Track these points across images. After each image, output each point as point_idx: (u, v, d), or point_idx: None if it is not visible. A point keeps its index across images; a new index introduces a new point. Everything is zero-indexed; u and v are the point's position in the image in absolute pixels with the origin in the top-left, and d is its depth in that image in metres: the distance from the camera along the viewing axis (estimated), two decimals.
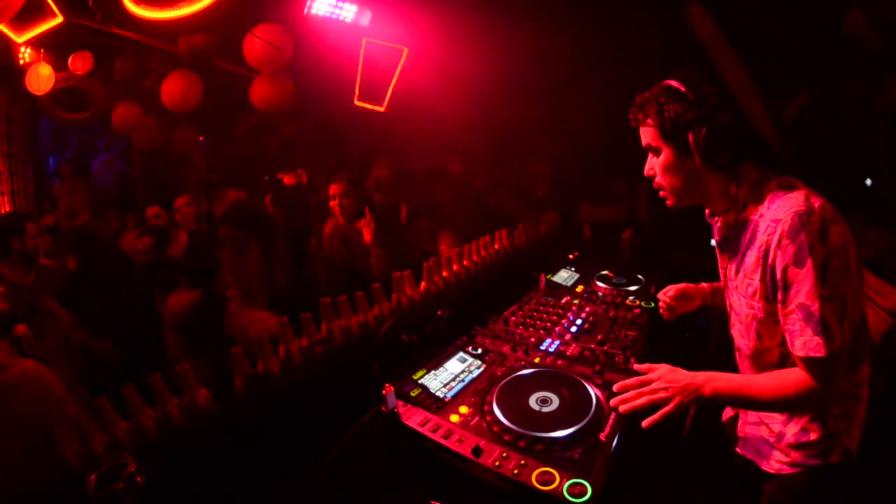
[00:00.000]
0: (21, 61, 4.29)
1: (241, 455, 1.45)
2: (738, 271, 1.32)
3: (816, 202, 1.14)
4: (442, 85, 4.54)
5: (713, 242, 1.50)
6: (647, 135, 1.36)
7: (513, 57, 4.27)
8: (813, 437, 1.27)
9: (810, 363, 1.16)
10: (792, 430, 1.30)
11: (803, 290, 1.13)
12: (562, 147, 4.33)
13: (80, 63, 4.51)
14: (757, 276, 1.23)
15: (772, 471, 1.33)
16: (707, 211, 1.43)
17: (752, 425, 1.39)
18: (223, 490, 1.37)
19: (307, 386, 1.74)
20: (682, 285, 1.65)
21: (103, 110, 5.14)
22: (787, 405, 1.26)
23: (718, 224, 1.40)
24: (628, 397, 1.16)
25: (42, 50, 4.26)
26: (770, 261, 1.18)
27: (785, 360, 1.26)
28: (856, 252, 1.19)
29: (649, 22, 3.87)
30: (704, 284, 1.70)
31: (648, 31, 3.85)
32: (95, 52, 4.57)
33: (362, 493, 1.31)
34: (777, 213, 1.17)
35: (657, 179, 1.37)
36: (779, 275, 1.17)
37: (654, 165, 1.37)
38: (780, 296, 1.18)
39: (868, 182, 3.81)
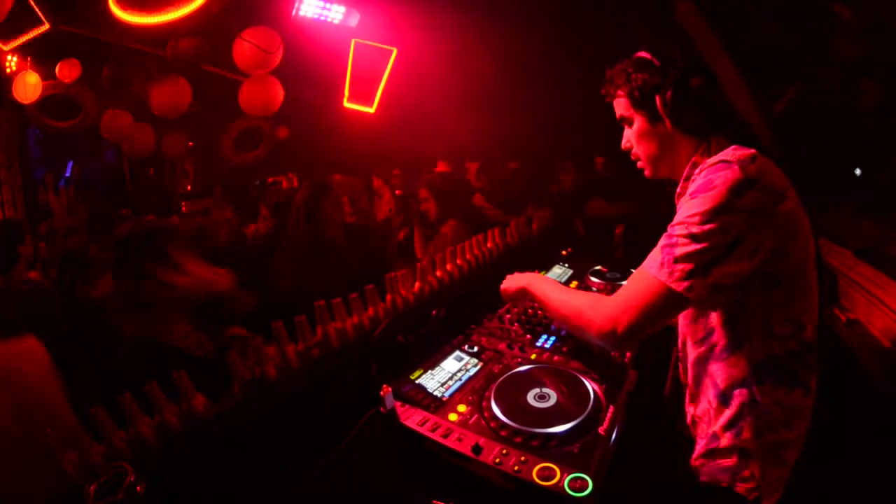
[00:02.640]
0: (8, 70, 4.25)
1: (240, 460, 1.44)
2: None
3: (753, 164, 1.09)
4: (436, 85, 4.55)
5: None
6: (619, 106, 1.38)
7: (504, 55, 4.28)
8: (723, 443, 1.20)
9: (638, 276, 1.17)
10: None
11: (681, 216, 1.12)
12: (558, 144, 4.36)
13: (67, 71, 4.48)
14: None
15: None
16: (678, 190, 1.39)
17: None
18: (223, 496, 1.36)
19: (304, 389, 1.74)
20: None
21: (92, 118, 5.10)
22: (572, 310, 1.30)
23: (678, 191, 1.37)
24: None
25: (29, 58, 4.22)
26: (685, 196, 1.18)
27: (716, 353, 1.22)
28: (793, 224, 1.13)
29: (639, 17, 3.89)
30: None
31: (638, 27, 3.87)
32: (83, 60, 4.54)
33: (363, 495, 1.31)
34: (710, 160, 1.15)
35: (633, 150, 1.40)
36: (684, 195, 1.18)
37: (629, 137, 1.40)
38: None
39: (857, 172, 3.85)
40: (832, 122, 3.32)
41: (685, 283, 1.07)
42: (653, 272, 1.12)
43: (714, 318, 1.22)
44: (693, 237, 1.07)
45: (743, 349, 1.18)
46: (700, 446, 1.27)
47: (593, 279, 2.21)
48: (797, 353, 1.16)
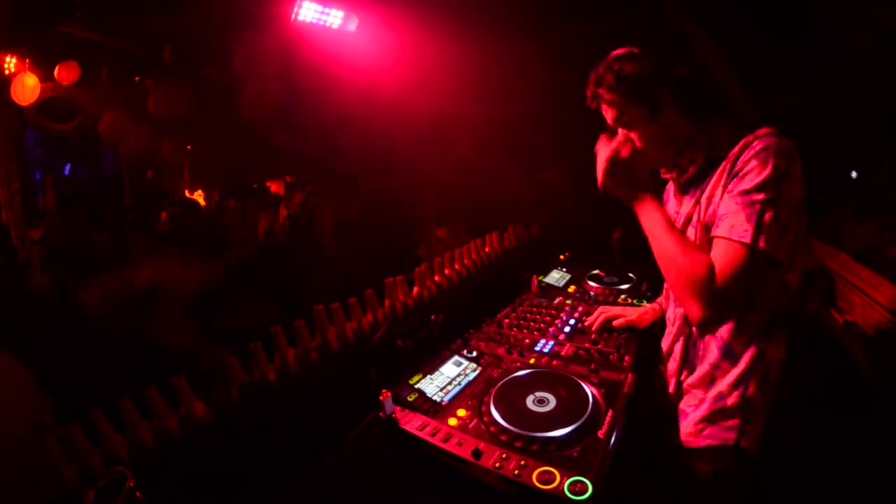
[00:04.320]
0: (6, 71, 4.24)
1: (239, 465, 1.44)
2: (697, 202, 1.31)
3: (785, 136, 1.18)
4: (435, 88, 4.55)
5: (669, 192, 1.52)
6: (610, 108, 1.35)
7: (504, 59, 4.29)
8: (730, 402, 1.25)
9: (724, 248, 1.16)
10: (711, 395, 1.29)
11: (756, 179, 1.14)
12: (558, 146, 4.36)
13: (66, 73, 4.47)
14: (717, 193, 1.23)
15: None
16: (662, 171, 1.43)
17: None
18: (222, 501, 1.36)
19: (303, 394, 1.74)
20: (610, 313, 1.72)
21: (90, 120, 5.09)
22: (677, 265, 1.24)
23: (687, 165, 1.36)
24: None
25: (27, 60, 4.22)
26: (734, 165, 1.19)
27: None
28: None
29: (634, 24, 3.91)
30: (649, 305, 1.76)
31: (635, 30, 3.89)
32: (82, 62, 4.53)
33: (363, 500, 1.31)
34: (749, 139, 1.20)
35: (636, 146, 1.37)
36: (736, 167, 1.18)
37: (627, 135, 1.37)
38: (727, 186, 1.19)
39: (854, 175, 3.88)
40: (828, 125, 3.34)
41: (773, 244, 1.12)
42: (742, 238, 1.13)
43: None
44: (772, 201, 1.12)
45: (756, 309, 1.23)
46: (700, 411, 1.30)
47: (591, 284, 2.22)
48: (790, 309, 1.23)
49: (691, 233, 1.33)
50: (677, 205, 1.45)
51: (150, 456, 1.41)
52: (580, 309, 1.96)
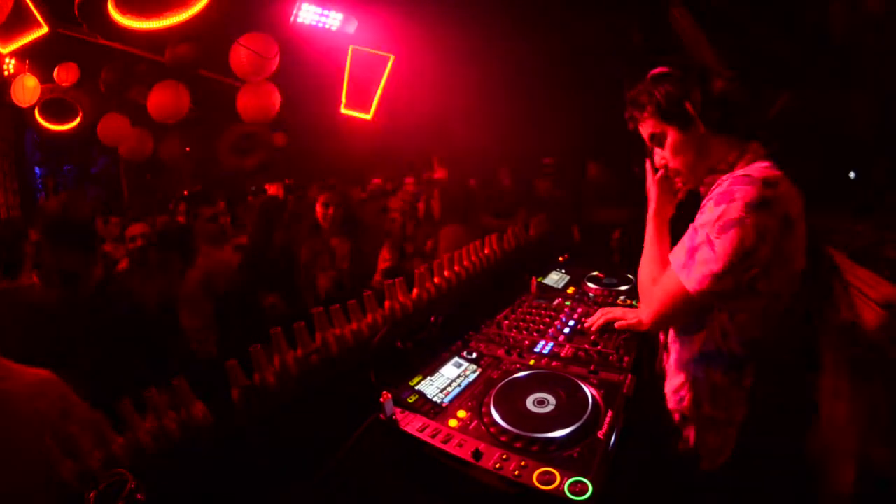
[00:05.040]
0: (6, 73, 4.25)
1: (240, 467, 1.44)
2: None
3: (774, 188, 1.16)
4: (434, 90, 4.56)
5: None
6: (646, 127, 1.39)
7: (501, 61, 4.30)
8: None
9: (666, 275, 1.29)
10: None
11: (704, 218, 1.19)
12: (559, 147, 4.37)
13: (65, 74, 4.48)
14: None
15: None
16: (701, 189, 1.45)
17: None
18: (223, 503, 1.36)
19: (304, 396, 1.74)
20: (610, 315, 1.73)
21: (89, 121, 5.10)
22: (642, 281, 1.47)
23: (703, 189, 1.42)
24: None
25: (27, 61, 4.22)
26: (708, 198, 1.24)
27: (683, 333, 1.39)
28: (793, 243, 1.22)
29: (633, 23, 3.93)
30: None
31: (633, 33, 3.90)
32: (81, 64, 4.54)
33: (363, 502, 1.31)
34: (739, 171, 1.23)
35: (671, 165, 1.40)
36: (702, 205, 1.24)
37: (663, 154, 1.40)
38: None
39: (852, 175, 3.89)
40: (826, 126, 3.35)
41: (700, 285, 1.19)
42: (675, 276, 1.25)
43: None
44: (711, 246, 1.16)
45: (700, 336, 1.32)
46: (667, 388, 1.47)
47: (590, 285, 2.23)
48: (740, 353, 1.28)
49: None
50: None
51: (151, 458, 1.41)
52: (579, 310, 1.96)
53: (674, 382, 1.40)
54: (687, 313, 1.29)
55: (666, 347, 1.50)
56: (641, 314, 1.40)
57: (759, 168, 1.21)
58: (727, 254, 1.14)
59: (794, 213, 1.19)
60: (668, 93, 1.30)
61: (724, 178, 1.24)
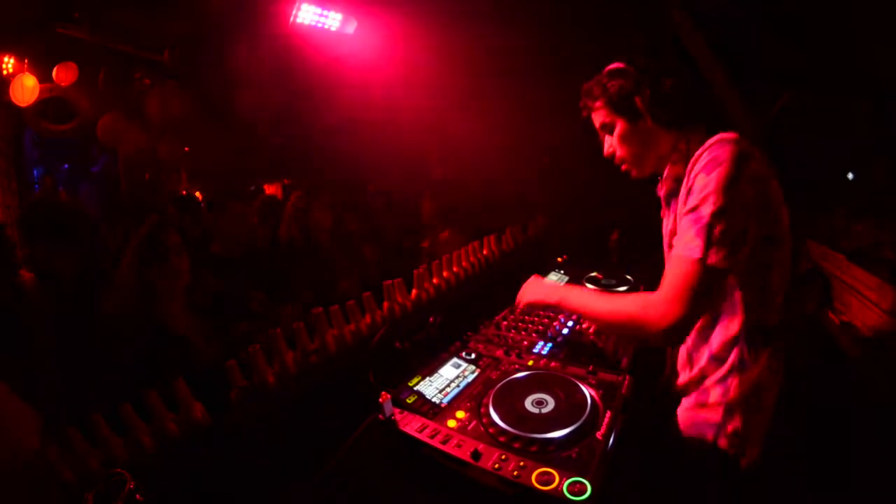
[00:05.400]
0: (5, 72, 4.24)
1: (240, 467, 1.44)
2: (674, 218, 1.36)
3: (743, 141, 1.18)
4: (434, 92, 4.56)
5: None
6: (598, 116, 1.46)
7: (502, 62, 4.30)
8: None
9: (678, 263, 1.18)
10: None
11: (702, 193, 1.16)
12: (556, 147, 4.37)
13: (64, 74, 4.47)
14: (680, 211, 1.25)
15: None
16: (665, 174, 1.44)
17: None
18: (223, 503, 1.37)
19: (303, 396, 1.74)
20: None
21: (88, 121, 5.09)
22: (623, 316, 1.28)
23: (665, 175, 1.42)
24: None
25: (26, 60, 4.21)
26: (689, 181, 1.22)
27: (713, 321, 1.30)
28: (778, 194, 1.22)
29: (634, 27, 3.93)
30: None
31: (634, 35, 3.91)
32: (80, 63, 4.53)
33: (362, 502, 1.31)
34: (708, 143, 1.22)
35: (617, 154, 1.46)
36: (689, 182, 1.21)
37: (611, 143, 1.46)
38: (685, 202, 1.21)
39: (850, 176, 3.90)
40: (824, 128, 3.36)
41: (724, 257, 1.13)
42: (692, 254, 1.15)
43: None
44: (720, 211, 1.12)
45: (737, 315, 1.26)
46: (691, 399, 1.38)
47: (589, 286, 2.23)
48: (778, 318, 1.25)
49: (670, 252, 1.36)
50: (665, 222, 1.49)
51: (150, 459, 1.41)
52: None
53: (716, 375, 1.30)
54: (714, 291, 1.19)
55: (689, 348, 1.41)
56: (652, 317, 1.20)
57: (721, 135, 1.22)
58: (739, 210, 1.13)
59: (765, 159, 1.22)
60: (620, 87, 1.36)
61: (692, 161, 1.24)
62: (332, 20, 4.16)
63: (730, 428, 1.27)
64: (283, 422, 1.63)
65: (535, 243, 3.41)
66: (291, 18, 3.99)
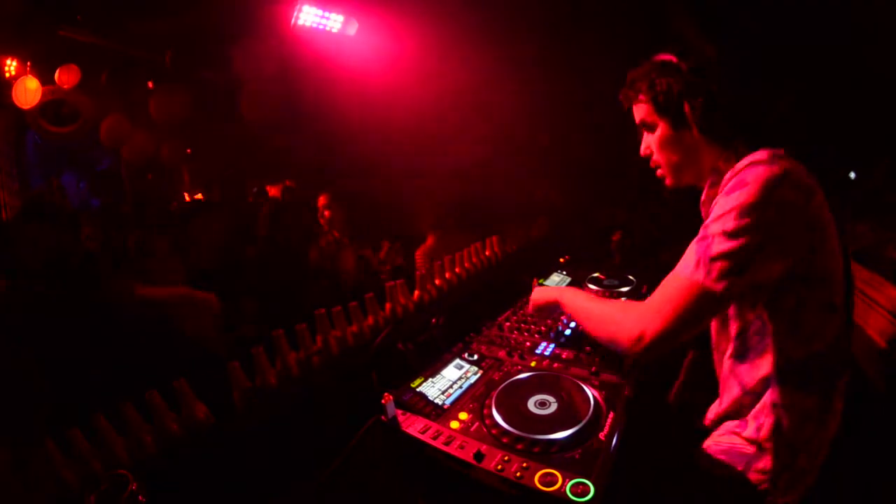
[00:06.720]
0: (7, 74, 4.25)
1: (241, 468, 1.44)
2: None
3: (782, 161, 1.08)
4: (435, 93, 4.56)
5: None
6: (640, 111, 1.34)
7: (502, 64, 4.30)
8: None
9: (671, 279, 1.13)
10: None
11: (716, 214, 1.08)
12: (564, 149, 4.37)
13: (66, 76, 4.48)
14: None
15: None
16: (702, 198, 1.38)
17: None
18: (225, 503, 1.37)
19: (305, 397, 1.74)
20: None
21: (91, 124, 5.11)
22: (602, 319, 1.28)
23: (703, 199, 1.35)
24: None
25: (29, 63, 4.22)
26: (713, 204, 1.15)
27: (744, 354, 1.24)
28: (827, 233, 1.12)
29: (635, 23, 3.92)
30: None
31: (635, 32, 3.90)
32: (83, 66, 4.54)
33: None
34: (739, 164, 1.14)
35: (654, 157, 1.36)
36: (711, 207, 1.14)
37: (649, 143, 1.35)
38: None
39: (852, 175, 3.89)
40: (827, 127, 3.35)
41: (723, 283, 1.04)
42: (687, 273, 1.09)
43: (744, 320, 1.23)
44: (729, 234, 1.04)
45: (768, 352, 1.18)
46: (722, 430, 1.31)
47: (591, 287, 2.23)
48: (817, 361, 1.15)
49: None
50: None
51: (152, 459, 1.41)
52: None
53: (749, 412, 1.24)
54: (703, 316, 1.11)
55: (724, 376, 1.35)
56: (628, 327, 1.16)
57: (759, 152, 1.13)
58: (753, 238, 1.03)
59: (810, 181, 1.10)
60: (669, 87, 1.24)
61: (726, 178, 1.17)
62: (334, 22, 4.17)
63: (759, 465, 1.20)
64: (285, 423, 1.63)
65: (538, 244, 3.41)
66: (293, 21, 4.00)
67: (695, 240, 1.13)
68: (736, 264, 1.04)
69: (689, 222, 1.43)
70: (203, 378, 1.57)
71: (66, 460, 1.31)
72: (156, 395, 1.47)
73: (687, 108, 1.22)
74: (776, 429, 1.18)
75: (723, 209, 1.07)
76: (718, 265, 1.05)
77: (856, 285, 2.16)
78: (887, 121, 3.35)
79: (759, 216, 1.03)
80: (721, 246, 1.05)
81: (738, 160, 1.18)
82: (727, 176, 1.16)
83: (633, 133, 1.45)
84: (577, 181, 4.34)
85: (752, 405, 1.24)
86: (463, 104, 4.74)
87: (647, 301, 1.18)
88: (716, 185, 1.25)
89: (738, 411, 1.29)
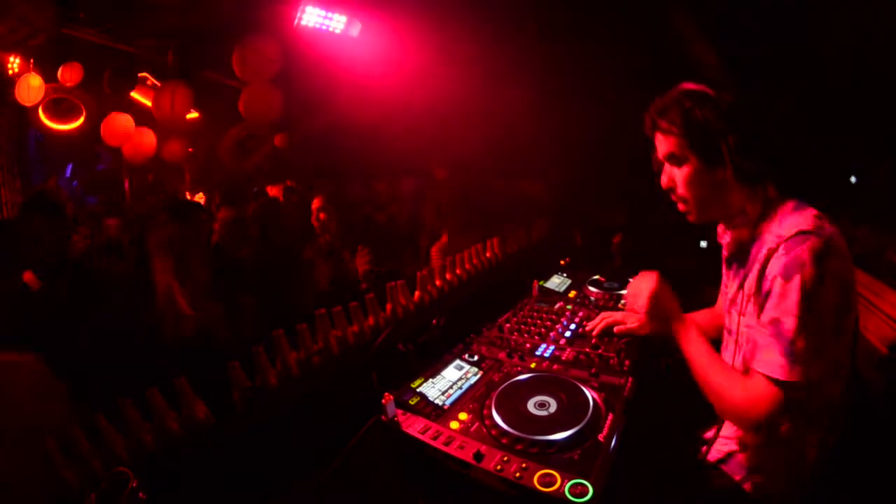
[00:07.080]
0: (10, 72, 4.26)
1: (241, 468, 1.44)
2: (739, 288, 1.27)
3: (827, 227, 1.08)
4: (436, 93, 4.57)
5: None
6: (667, 143, 1.25)
7: (502, 64, 4.31)
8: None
9: (762, 384, 1.11)
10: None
11: (783, 304, 1.07)
12: (563, 152, 4.38)
13: (69, 74, 4.49)
14: (752, 299, 1.20)
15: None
16: (720, 228, 1.37)
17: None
18: (225, 502, 1.37)
19: (305, 397, 1.74)
20: (611, 319, 1.68)
21: (93, 122, 5.12)
22: (719, 396, 1.22)
23: (728, 241, 1.35)
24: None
25: (32, 60, 4.24)
26: (766, 273, 1.13)
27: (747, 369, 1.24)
28: (854, 299, 1.14)
29: (638, 30, 3.93)
30: None
31: (637, 37, 3.91)
32: (85, 64, 4.56)
33: (364, 503, 1.31)
34: (784, 228, 1.12)
35: (678, 191, 1.29)
36: (767, 285, 1.12)
37: (674, 176, 1.28)
38: (759, 302, 1.14)
39: (853, 180, 3.89)
40: (827, 131, 3.35)
41: (807, 371, 1.06)
42: (775, 375, 1.08)
43: None
44: (804, 327, 1.05)
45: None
46: (721, 433, 1.35)
47: (591, 289, 2.23)
48: (820, 403, 1.18)
49: (734, 314, 1.32)
50: (725, 274, 1.44)
51: (152, 458, 1.41)
52: (581, 314, 1.96)
53: (750, 435, 1.28)
54: (791, 401, 1.11)
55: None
56: (733, 409, 1.19)
57: (799, 218, 1.12)
58: (824, 321, 1.06)
59: (845, 243, 1.12)
60: (705, 121, 1.16)
61: (769, 241, 1.15)
62: (337, 23, 4.17)
63: (758, 478, 1.24)
64: (285, 423, 1.63)
65: (539, 246, 3.41)
66: (296, 21, 4.01)
67: (768, 333, 1.11)
68: (816, 351, 1.06)
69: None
70: (203, 378, 1.57)
71: (66, 459, 1.31)
72: (156, 394, 1.47)
73: (723, 146, 1.16)
74: (774, 434, 1.20)
75: (788, 299, 1.07)
76: (804, 360, 1.06)
77: (858, 291, 2.15)
78: (888, 124, 3.35)
79: (819, 298, 1.05)
80: (799, 341, 1.06)
81: (764, 202, 1.19)
82: (772, 241, 1.14)
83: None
84: (577, 182, 4.35)
85: (753, 430, 1.26)
86: (465, 104, 4.75)
87: (749, 389, 1.15)
88: (743, 226, 1.25)
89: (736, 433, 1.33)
